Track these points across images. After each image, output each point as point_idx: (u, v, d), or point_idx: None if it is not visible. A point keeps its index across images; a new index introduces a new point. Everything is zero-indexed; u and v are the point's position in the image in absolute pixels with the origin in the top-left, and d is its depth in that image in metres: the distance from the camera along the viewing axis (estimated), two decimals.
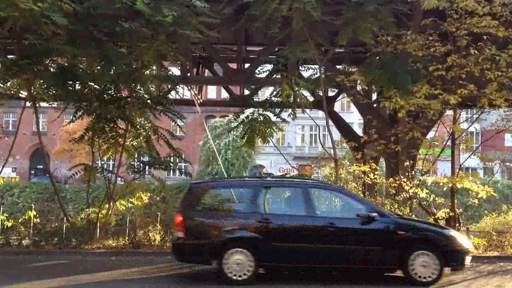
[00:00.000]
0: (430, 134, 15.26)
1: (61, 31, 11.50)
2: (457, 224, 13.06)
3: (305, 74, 15.84)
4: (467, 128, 15.58)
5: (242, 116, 15.80)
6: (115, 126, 13.60)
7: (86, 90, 13.39)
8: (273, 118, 15.39)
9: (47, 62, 12.79)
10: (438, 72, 12.52)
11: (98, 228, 13.23)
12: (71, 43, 12.07)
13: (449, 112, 14.26)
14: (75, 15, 11.54)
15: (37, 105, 13.90)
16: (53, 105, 14.55)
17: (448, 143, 13.93)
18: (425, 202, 13.41)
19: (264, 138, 15.41)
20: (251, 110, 15.69)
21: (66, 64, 13.22)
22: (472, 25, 12.34)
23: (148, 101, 13.69)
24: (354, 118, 38.68)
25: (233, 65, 18.03)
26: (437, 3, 11.70)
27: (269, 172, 35.70)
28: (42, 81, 12.97)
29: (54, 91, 13.17)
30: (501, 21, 12.24)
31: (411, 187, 12.91)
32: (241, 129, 15.75)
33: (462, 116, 15.96)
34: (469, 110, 16.47)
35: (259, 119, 15.15)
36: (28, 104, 14.62)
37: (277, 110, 15.29)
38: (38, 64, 12.16)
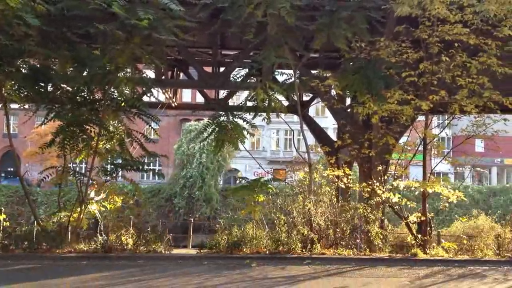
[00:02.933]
0: (403, 139, 15.45)
1: (33, 32, 11.33)
2: (428, 228, 13.24)
3: (280, 78, 15.91)
4: (438, 134, 15.81)
5: (215, 124, 15.76)
6: (85, 129, 13.42)
7: (58, 92, 13.21)
8: (243, 124, 15.39)
9: (19, 63, 12.59)
10: (411, 78, 12.69)
11: (69, 232, 13.04)
12: (44, 44, 11.89)
13: (421, 118, 14.47)
14: (48, 15, 11.39)
15: (8, 106, 13.65)
16: (24, 107, 14.32)
17: (420, 148, 14.13)
18: (397, 207, 13.55)
19: (236, 144, 15.41)
20: (224, 115, 15.66)
21: (38, 65, 13.03)
22: (444, 32, 12.56)
23: (122, 103, 13.57)
24: (328, 123, 38.97)
25: (208, 69, 17.99)
26: (410, 10, 11.86)
27: (243, 176, 35.70)
28: (13, 82, 12.76)
29: (25, 93, 12.96)
30: (472, 29, 12.47)
31: (383, 192, 13.03)
32: (213, 136, 15.74)
33: (434, 122, 16.21)
34: (440, 116, 16.72)
35: (228, 127, 15.14)
36: None
37: (248, 116, 15.30)
38: (9, 65, 11.97)
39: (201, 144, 34.09)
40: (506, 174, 57.58)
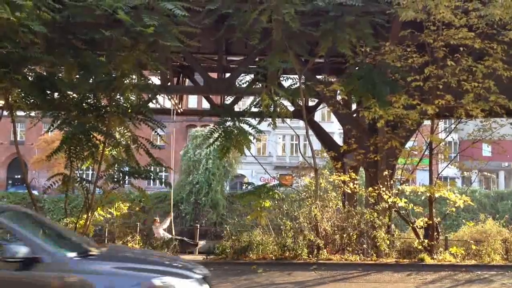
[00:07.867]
0: (409, 144, 15.40)
1: (39, 39, 11.40)
2: (435, 233, 13.18)
3: (285, 84, 15.91)
4: (444, 138, 15.77)
5: (220, 129, 15.71)
6: (91, 137, 13.44)
7: (64, 99, 13.26)
8: (249, 129, 15.35)
9: (25, 70, 12.64)
10: (416, 83, 12.67)
11: None
12: (50, 51, 11.95)
13: (427, 122, 14.43)
14: (54, 23, 11.45)
15: (15, 114, 13.71)
16: (30, 114, 14.38)
17: (426, 153, 14.08)
18: (403, 211, 13.51)
19: (241, 149, 15.37)
20: (229, 120, 15.61)
21: (44, 72, 13.09)
22: (449, 36, 12.53)
23: (128, 110, 13.60)
24: (334, 128, 39.02)
25: (214, 75, 18.04)
26: (414, 14, 11.87)
27: (250, 181, 35.76)
28: (19, 90, 12.82)
29: (32, 100, 13.02)
30: (477, 33, 12.45)
31: (390, 196, 13.00)
32: (219, 142, 15.70)
33: (440, 126, 16.15)
34: (446, 120, 16.66)
35: (234, 132, 15.10)
36: (5, 113, 14.42)
37: (254, 121, 15.28)
38: (15, 73, 12.00)
39: (207, 150, 34.10)
40: None
